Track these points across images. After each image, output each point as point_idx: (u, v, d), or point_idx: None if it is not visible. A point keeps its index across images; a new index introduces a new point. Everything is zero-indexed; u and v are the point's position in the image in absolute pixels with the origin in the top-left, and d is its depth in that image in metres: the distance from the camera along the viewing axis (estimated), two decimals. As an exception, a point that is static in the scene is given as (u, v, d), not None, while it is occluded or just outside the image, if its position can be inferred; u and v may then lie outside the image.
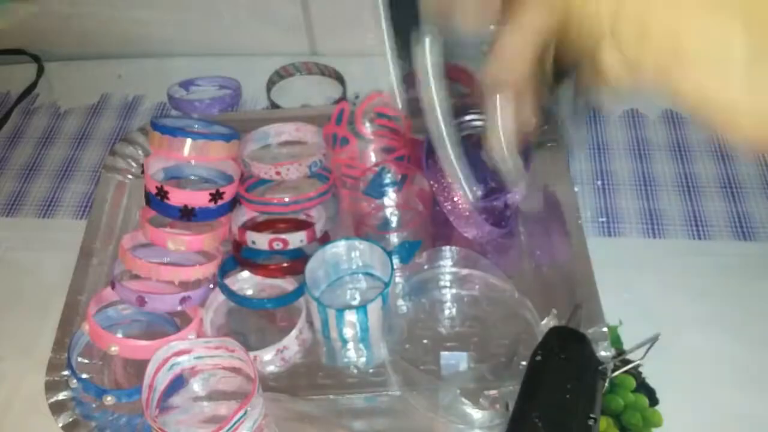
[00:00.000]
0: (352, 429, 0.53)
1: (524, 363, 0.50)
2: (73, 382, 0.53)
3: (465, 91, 0.74)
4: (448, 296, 0.60)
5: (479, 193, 0.57)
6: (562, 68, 0.34)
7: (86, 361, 0.56)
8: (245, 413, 0.46)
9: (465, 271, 0.60)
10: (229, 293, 0.59)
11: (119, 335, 0.56)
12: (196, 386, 0.54)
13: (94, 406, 0.53)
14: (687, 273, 0.62)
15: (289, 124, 0.69)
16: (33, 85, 0.85)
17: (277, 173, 0.63)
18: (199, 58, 0.85)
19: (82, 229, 0.65)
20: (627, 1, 0.27)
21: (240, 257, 0.60)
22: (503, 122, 0.35)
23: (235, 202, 0.63)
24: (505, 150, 0.37)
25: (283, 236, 0.59)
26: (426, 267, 0.60)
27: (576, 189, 0.68)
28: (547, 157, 0.66)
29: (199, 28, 0.86)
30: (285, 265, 0.59)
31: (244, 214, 0.63)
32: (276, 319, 0.60)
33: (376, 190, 0.64)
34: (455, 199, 0.58)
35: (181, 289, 0.57)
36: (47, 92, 0.86)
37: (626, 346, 0.57)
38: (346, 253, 0.59)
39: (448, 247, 0.60)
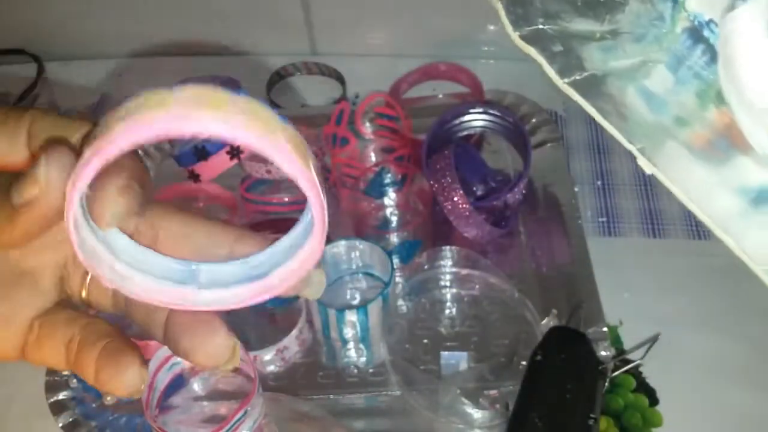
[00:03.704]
0: (352, 429, 0.53)
1: (524, 363, 0.50)
2: (73, 382, 0.53)
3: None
4: (448, 296, 0.60)
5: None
6: None
7: (86, 361, 0.56)
8: (245, 413, 0.46)
9: (465, 271, 0.60)
10: (229, 293, 0.58)
11: (119, 335, 0.56)
12: (196, 386, 0.54)
13: (94, 406, 0.53)
14: (687, 273, 0.62)
15: None
16: (33, 85, 0.85)
17: (268, 171, 0.63)
18: (199, 58, 0.85)
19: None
20: None
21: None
22: None
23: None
24: None
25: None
26: (426, 267, 0.60)
27: (576, 189, 0.68)
28: (547, 157, 0.66)
29: (200, 28, 0.85)
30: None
31: (244, 214, 0.63)
32: (276, 319, 0.60)
33: (376, 190, 0.64)
34: (455, 199, 0.58)
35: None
36: (47, 92, 0.85)
37: (626, 346, 0.57)
38: (346, 253, 0.59)
39: (448, 247, 0.60)
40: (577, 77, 0.30)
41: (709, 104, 0.31)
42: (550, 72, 0.30)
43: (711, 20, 0.32)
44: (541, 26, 0.31)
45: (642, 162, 0.28)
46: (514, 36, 0.30)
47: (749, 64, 0.28)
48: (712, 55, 0.30)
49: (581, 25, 0.32)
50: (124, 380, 0.23)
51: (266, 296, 0.24)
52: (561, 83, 0.30)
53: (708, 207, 0.27)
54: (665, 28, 0.33)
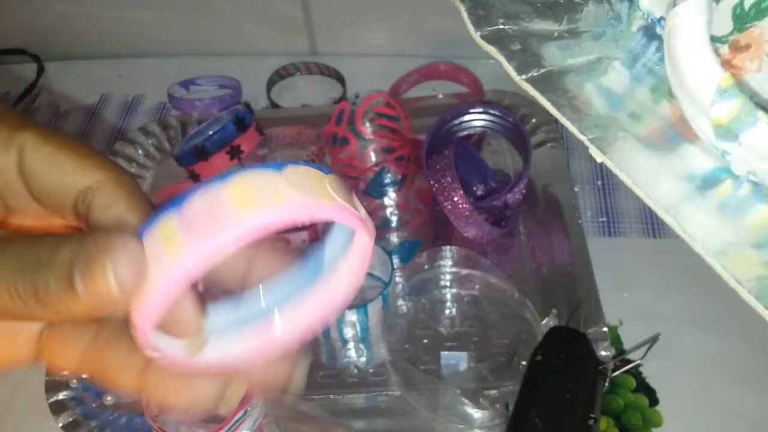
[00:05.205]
0: (352, 429, 0.53)
1: (524, 363, 0.50)
2: (73, 382, 0.53)
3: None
4: (448, 296, 0.60)
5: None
6: None
7: (86, 361, 0.56)
8: (245, 413, 0.46)
9: (465, 271, 0.60)
10: (229, 293, 0.59)
11: (119, 335, 0.56)
12: (196, 386, 0.54)
13: (94, 405, 0.53)
14: (687, 273, 0.62)
15: (290, 128, 0.70)
16: (33, 85, 0.85)
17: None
18: (199, 58, 0.85)
19: (82, 229, 0.65)
20: None
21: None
22: None
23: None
24: None
25: (285, 235, 0.59)
26: (426, 267, 0.60)
27: (576, 189, 0.68)
28: (547, 157, 0.66)
29: (199, 28, 0.85)
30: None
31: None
32: (276, 319, 0.60)
33: (376, 190, 0.64)
34: (455, 199, 0.58)
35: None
36: (47, 92, 0.86)
37: (626, 346, 0.57)
38: (347, 253, 0.59)
39: (448, 247, 0.60)
40: (534, 73, 0.31)
41: (661, 99, 0.32)
42: (509, 69, 0.31)
43: (662, 17, 0.32)
44: (501, 26, 0.32)
45: (593, 151, 0.29)
46: (476, 36, 0.31)
47: (690, 57, 0.28)
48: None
49: (540, 24, 0.33)
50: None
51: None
52: (518, 79, 0.31)
53: (654, 192, 0.28)
54: (622, 27, 0.34)
